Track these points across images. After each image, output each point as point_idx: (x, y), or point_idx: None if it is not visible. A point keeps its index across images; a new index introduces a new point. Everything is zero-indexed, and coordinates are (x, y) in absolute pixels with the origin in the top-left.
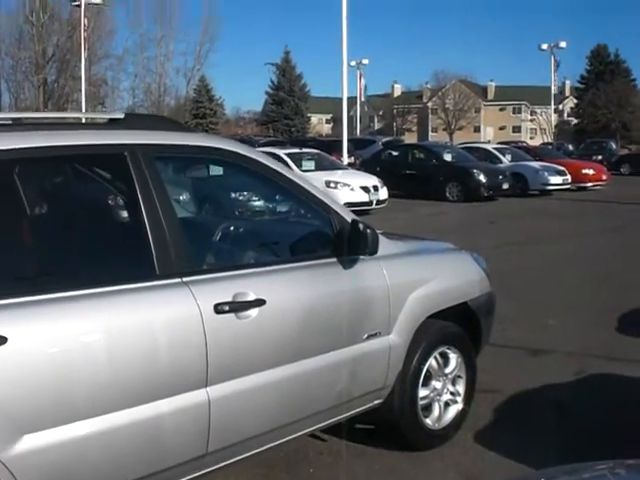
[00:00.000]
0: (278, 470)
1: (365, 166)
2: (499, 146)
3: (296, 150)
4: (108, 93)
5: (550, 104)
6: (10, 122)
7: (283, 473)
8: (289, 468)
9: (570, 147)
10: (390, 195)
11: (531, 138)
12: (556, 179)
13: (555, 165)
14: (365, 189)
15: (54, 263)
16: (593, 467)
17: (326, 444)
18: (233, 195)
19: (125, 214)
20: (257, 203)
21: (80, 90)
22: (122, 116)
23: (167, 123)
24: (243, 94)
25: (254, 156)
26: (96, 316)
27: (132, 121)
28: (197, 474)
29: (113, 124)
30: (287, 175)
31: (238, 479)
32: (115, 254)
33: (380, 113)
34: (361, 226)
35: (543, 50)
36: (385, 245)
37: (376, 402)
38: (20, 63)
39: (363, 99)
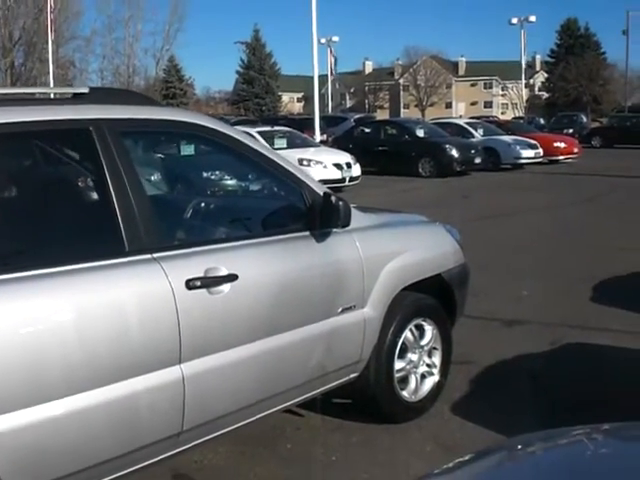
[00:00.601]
0: (255, 446)
1: (337, 143)
2: (471, 121)
3: (268, 128)
4: (76, 75)
5: (521, 79)
6: None
7: (261, 449)
8: (267, 444)
9: (541, 121)
10: (363, 172)
11: (502, 113)
12: (528, 153)
13: (527, 139)
14: (338, 166)
15: (21, 241)
16: (569, 433)
17: (303, 419)
18: (206, 174)
19: (92, 190)
20: (230, 182)
21: (48, 73)
22: (87, 90)
23: (134, 97)
24: (213, 74)
25: (224, 130)
26: (65, 294)
27: (97, 95)
28: (173, 452)
29: (78, 99)
30: (258, 148)
31: (216, 456)
32: (83, 231)
33: (352, 90)
34: (333, 199)
35: (513, 24)
36: (358, 218)
37: (352, 376)
38: None
39: (334, 76)
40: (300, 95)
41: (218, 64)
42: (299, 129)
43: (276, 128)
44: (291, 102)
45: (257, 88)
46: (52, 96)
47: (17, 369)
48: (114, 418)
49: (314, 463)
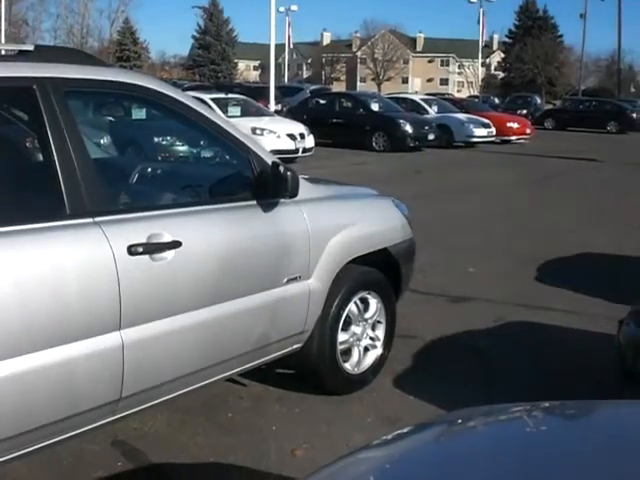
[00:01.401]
0: (196, 415)
1: (292, 114)
2: (426, 97)
3: (222, 95)
4: (29, 34)
5: (478, 57)
6: None
7: (201, 418)
8: (208, 413)
9: (496, 100)
10: (317, 144)
11: (458, 91)
12: (481, 131)
13: (480, 118)
14: (291, 137)
15: None
16: (509, 409)
17: (246, 389)
18: (156, 139)
19: (34, 151)
20: (180, 148)
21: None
22: (32, 48)
23: (81, 57)
24: (169, 38)
25: (171, 93)
26: (3, 255)
27: (43, 54)
28: (111, 418)
29: (22, 56)
30: (205, 114)
31: (156, 424)
32: (23, 192)
33: (309, 61)
34: (281, 168)
35: (472, 3)
36: (306, 189)
37: (295, 346)
38: None
39: (291, 46)
40: (257, 63)
41: (174, 28)
42: (254, 98)
43: (230, 95)
44: (247, 70)
45: (213, 54)
46: None
47: None
48: (51, 383)
49: (255, 433)
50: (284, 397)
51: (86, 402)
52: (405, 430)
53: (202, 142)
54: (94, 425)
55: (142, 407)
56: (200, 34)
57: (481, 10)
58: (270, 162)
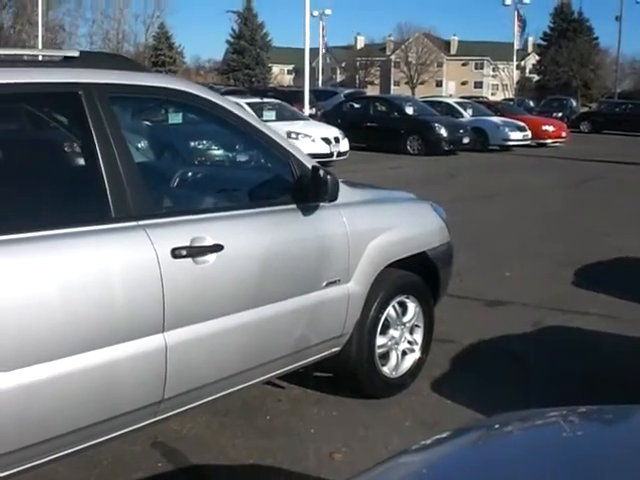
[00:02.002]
0: (235, 417)
1: (326, 117)
2: (461, 100)
3: (257, 100)
4: (65, 39)
5: (512, 60)
6: None
7: (240, 420)
8: (246, 415)
9: (531, 103)
10: (351, 147)
11: (492, 94)
12: (516, 135)
13: (516, 121)
14: (326, 140)
15: (7, 205)
16: (546, 414)
17: (284, 391)
18: (193, 143)
19: (80, 155)
20: (217, 152)
21: (37, 36)
22: (77, 54)
23: (124, 62)
24: (203, 42)
25: (212, 98)
26: (49, 258)
27: (88, 59)
28: (153, 420)
29: (67, 62)
30: (247, 119)
31: (195, 426)
32: (70, 196)
33: (342, 65)
34: (321, 172)
35: (507, 5)
36: (345, 193)
37: (334, 350)
38: None
39: (325, 50)
40: (290, 67)
41: (209, 33)
42: (288, 102)
43: (265, 100)
44: (281, 74)
45: (247, 59)
46: (41, 58)
47: None
48: (95, 384)
49: (293, 435)
50: (322, 400)
51: (129, 404)
52: (444, 435)
53: (238, 146)
54: (136, 426)
55: (183, 409)
56: (234, 39)
57: (516, 13)
58: (310, 166)
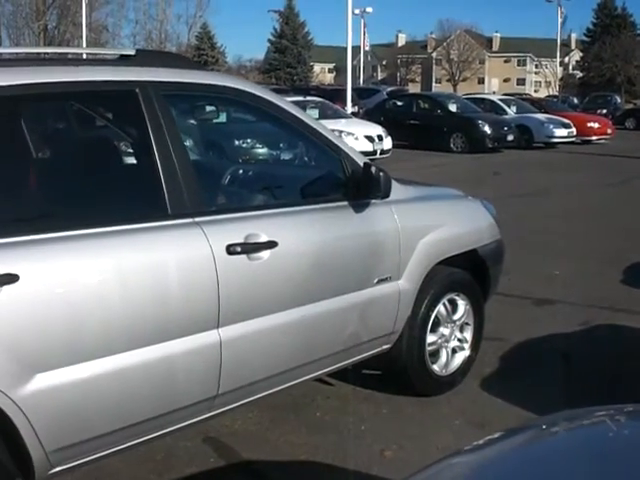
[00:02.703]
0: (285, 413)
1: (369, 115)
2: (504, 97)
3: (300, 98)
4: (109, 40)
5: (555, 57)
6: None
7: (290, 416)
8: (296, 411)
9: (575, 100)
10: (394, 145)
11: (535, 91)
12: (561, 132)
13: (560, 118)
14: (369, 138)
15: (66, 201)
16: (593, 413)
17: (333, 388)
18: (237, 142)
19: (137, 153)
20: (261, 150)
21: (81, 37)
22: (133, 52)
23: (180, 60)
24: (245, 42)
25: (267, 96)
26: (108, 254)
27: (144, 57)
28: (208, 415)
29: (124, 60)
30: (300, 116)
31: (246, 421)
32: (126, 193)
33: (384, 63)
34: (373, 169)
35: (550, 1)
36: (397, 189)
37: (384, 347)
38: (21, 9)
39: (367, 48)
40: (331, 66)
41: (250, 32)
42: (330, 100)
43: (308, 98)
44: (322, 73)
45: (289, 57)
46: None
47: (58, 328)
48: (151, 379)
49: (343, 432)
50: (371, 398)
51: (184, 398)
52: (496, 435)
53: (282, 144)
54: (191, 421)
55: (236, 404)
56: (276, 38)
57: (559, 9)
58: (361, 163)
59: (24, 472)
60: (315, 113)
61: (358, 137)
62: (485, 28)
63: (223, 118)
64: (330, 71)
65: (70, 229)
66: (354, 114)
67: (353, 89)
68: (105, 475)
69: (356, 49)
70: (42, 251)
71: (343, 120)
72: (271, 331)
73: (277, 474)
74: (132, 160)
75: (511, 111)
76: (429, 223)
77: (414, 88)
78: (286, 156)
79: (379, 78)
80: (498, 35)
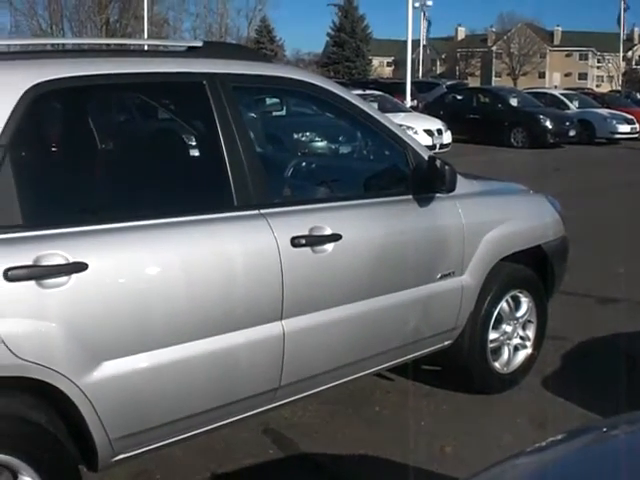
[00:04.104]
0: (344, 407)
1: (428, 109)
2: (566, 92)
3: (359, 92)
4: (170, 33)
5: (618, 51)
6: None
7: (349, 410)
8: (355, 406)
9: (638, 95)
10: (453, 139)
11: (597, 86)
12: (624, 127)
13: (623, 113)
14: (429, 132)
15: (134, 192)
16: None
17: (392, 383)
18: (296, 135)
19: (204, 144)
20: (320, 144)
21: (142, 30)
22: (201, 44)
23: (247, 52)
24: (303, 35)
25: (333, 89)
26: (175, 244)
27: (211, 49)
28: (269, 406)
29: (192, 52)
30: (366, 109)
31: (305, 414)
32: (193, 184)
33: (443, 57)
34: (439, 163)
35: None
36: (461, 184)
37: (446, 343)
38: (83, 2)
39: (425, 42)
40: (390, 59)
41: (309, 26)
42: (389, 93)
43: (367, 92)
44: (381, 66)
45: (348, 51)
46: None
47: (125, 316)
48: (215, 370)
49: (403, 427)
50: (431, 393)
51: (247, 389)
52: (559, 437)
53: (341, 138)
54: (252, 412)
55: (297, 397)
56: (335, 31)
57: (622, 3)
58: (426, 156)
59: (88, 459)
60: (374, 107)
61: (417, 131)
62: (546, 21)
63: (282, 111)
64: (389, 65)
65: (137, 219)
66: (413, 108)
67: (412, 83)
68: (165, 463)
69: (415, 42)
70: (110, 241)
71: (402, 114)
72: (333, 324)
73: (335, 467)
74: (199, 151)
75: (573, 106)
76: (494, 218)
77: (473, 82)
78: (345, 149)
79: (438, 72)
80: (560, 29)
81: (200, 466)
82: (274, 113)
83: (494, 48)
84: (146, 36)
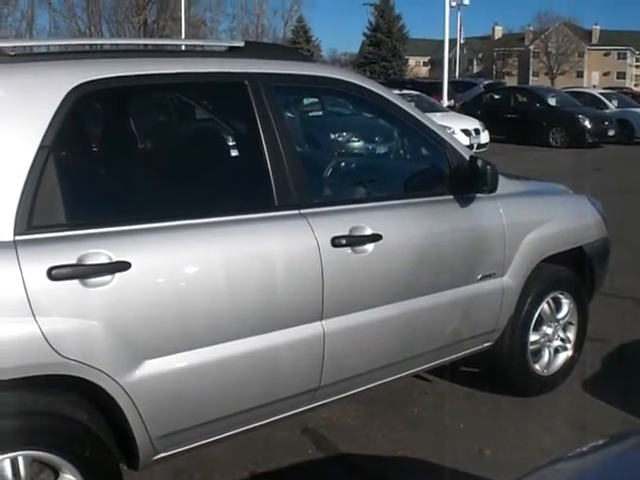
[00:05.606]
0: (383, 408)
1: (466, 109)
2: (605, 91)
3: (396, 91)
4: (207, 34)
5: None
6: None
7: (388, 411)
8: (394, 407)
9: None
10: (491, 139)
11: (636, 85)
12: None
13: None
14: (466, 132)
15: (176, 191)
16: None
17: (430, 385)
18: (333, 135)
19: (246, 144)
20: (357, 144)
21: (180, 31)
22: (242, 44)
23: (288, 52)
24: (339, 35)
25: (375, 89)
26: (215, 244)
27: (253, 49)
28: (309, 407)
29: (233, 52)
30: (406, 109)
31: (344, 415)
32: (234, 183)
33: (479, 56)
34: (480, 163)
35: None
36: (502, 184)
37: (486, 345)
38: (121, 3)
39: (463, 41)
40: (426, 59)
41: (345, 26)
42: (426, 93)
43: (404, 91)
44: (417, 66)
45: (384, 51)
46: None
47: (167, 315)
48: (256, 369)
49: (441, 429)
50: (470, 395)
51: (287, 389)
52: (600, 442)
53: (378, 138)
54: (292, 412)
55: (337, 397)
56: (371, 31)
57: None
58: (467, 156)
59: (129, 458)
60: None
61: (455, 131)
62: (585, 20)
63: (320, 111)
64: (425, 64)
65: (179, 219)
66: (450, 107)
67: (449, 82)
68: (206, 461)
69: (452, 42)
70: (152, 240)
71: (439, 113)
72: (373, 325)
73: (374, 468)
74: (240, 151)
75: (612, 105)
76: (535, 219)
77: (510, 81)
78: (382, 150)
79: (474, 71)
80: (598, 28)
81: (239, 465)
82: (313, 113)
83: (531, 47)
84: (183, 37)
